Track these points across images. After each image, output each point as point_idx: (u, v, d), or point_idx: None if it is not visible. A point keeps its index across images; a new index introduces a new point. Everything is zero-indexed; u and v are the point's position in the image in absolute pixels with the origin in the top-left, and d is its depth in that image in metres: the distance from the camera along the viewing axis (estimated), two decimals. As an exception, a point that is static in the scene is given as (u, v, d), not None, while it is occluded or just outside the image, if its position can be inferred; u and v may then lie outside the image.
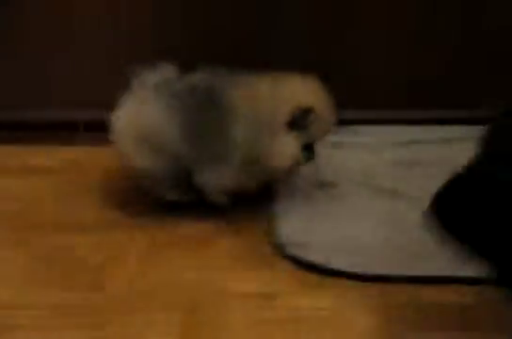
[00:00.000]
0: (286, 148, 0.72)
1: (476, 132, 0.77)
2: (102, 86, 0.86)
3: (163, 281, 0.69)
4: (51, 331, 0.63)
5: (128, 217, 0.77)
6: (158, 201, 0.76)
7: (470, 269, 0.69)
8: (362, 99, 0.96)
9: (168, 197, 0.76)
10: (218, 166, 0.73)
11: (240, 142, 0.71)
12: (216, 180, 0.74)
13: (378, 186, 0.82)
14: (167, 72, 0.74)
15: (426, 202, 0.76)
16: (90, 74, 0.96)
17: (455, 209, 0.74)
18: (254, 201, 0.77)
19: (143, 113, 0.73)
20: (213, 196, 0.76)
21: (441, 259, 0.70)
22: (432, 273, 0.69)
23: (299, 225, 0.76)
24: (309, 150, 0.74)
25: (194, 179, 0.74)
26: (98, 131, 0.76)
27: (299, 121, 0.71)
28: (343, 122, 0.77)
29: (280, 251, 0.73)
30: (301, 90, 0.73)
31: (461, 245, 0.72)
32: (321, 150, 0.75)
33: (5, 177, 0.87)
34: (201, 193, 0.75)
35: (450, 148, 0.91)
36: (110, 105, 0.75)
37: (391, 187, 0.82)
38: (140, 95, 0.73)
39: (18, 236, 0.76)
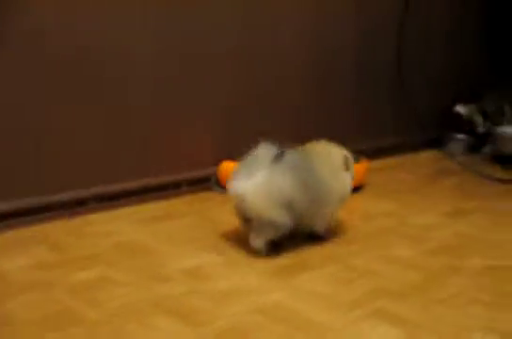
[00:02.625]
0: (349, 181, 1.14)
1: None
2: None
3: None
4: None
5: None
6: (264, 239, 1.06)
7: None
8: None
9: (276, 237, 1.06)
10: (325, 209, 1.10)
11: (333, 186, 1.09)
12: (324, 220, 1.11)
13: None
14: (271, 148, 1.05)
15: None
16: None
17: None
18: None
19: (276, 182, 1.02)
20: (318, 231, 1.13)
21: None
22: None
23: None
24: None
25: (302, 224, 1.08)
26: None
27: (347, 163, 1.13)
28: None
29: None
30: (336, 147, 1.15)
31: None
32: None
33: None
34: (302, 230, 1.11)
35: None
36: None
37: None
38: (263, 167, 1.03)
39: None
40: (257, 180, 1.02)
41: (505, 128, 1.79)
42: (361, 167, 1.48)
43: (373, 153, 1.72)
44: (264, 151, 1.05)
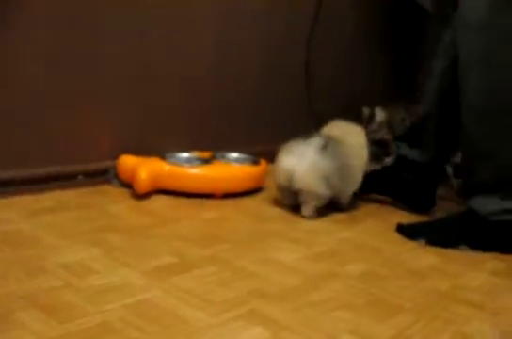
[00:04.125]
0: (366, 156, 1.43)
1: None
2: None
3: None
4: None
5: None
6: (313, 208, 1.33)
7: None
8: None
9: (321, 205, 1.34)
10: (350, 188, 1.39)
11: (358, 170, 1.38)
12: (348, 195, 1.40)
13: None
14: (320, 139, 1.32)
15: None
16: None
17: None
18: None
19: (321, 163, 1.30)
20: (342, 204, 1.42)
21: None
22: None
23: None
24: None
25: (335, 195, 1.36)
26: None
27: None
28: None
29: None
30: (356, 128, 1.46)
31: None
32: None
33: None
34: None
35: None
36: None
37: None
38: (311, 152, 1.30)
39: None
40: (308, 159, 1.29)
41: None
42: (261, 169, 1.50)
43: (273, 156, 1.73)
44: (315, 139, 1.31)
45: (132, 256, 1.03)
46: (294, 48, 1.82)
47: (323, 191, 1.31)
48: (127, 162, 1.39)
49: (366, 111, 1.97)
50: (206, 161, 1.46)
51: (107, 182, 1.43)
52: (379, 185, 1.50)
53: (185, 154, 1.50)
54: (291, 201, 1.36)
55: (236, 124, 1.73)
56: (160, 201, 1.36)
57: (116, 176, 1.42)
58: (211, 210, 1.34)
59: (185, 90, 1.57)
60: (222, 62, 1.64)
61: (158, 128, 1.53)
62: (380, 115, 1.97)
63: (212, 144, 1.61)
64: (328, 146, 1.31)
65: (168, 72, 1.52)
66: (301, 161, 1.29)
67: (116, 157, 1.42)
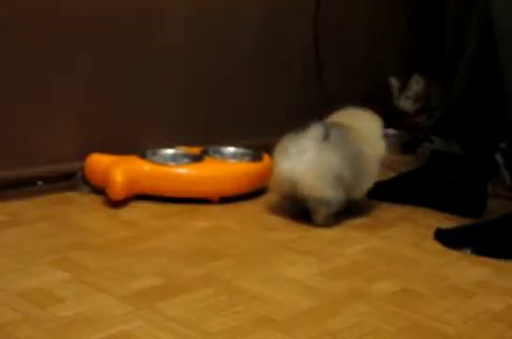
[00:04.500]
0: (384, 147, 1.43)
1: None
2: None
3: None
4: None
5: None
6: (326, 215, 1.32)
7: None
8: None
9: (335, 211, 1.32)
10: (367, 180, 1.37)
11: (371, 158, 1.37)
12: (363, 189, 1.38)
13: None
14: (318, 127, 1.29)
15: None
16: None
17: None
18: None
19: (325, 159, 1.27)
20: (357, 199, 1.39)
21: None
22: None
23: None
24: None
25: (350, 195, 1.33)
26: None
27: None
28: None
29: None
30: (374, 116, 1.46)
31: None
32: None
33: None
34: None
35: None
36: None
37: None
38: (313, 146, 1.27)
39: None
40: (309, 158, 1.27)
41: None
42: (264, 166, 1.48)
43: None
44: (313, 129, 1.28)
45: (106, 279, 1.02)
46: (298, 22, 1.81)
47: (334, 195, 1.29)
48: (98, 162, 1.39)
49: (395, 82, 1.97)
50: (196, 158, 1.46)
51: (74, 188, 1.43)
52: (410, 192, 1.48)
53: (170, 151, 1.50)
54: (299, 208, 1.35)
55: (232, 112, 1.72)
56: (140, 210, 1.35)
57: (84, 180, 1.42)
58: (204, 218, 1.34)
59: (168, 75, 1.57)
60: (213, 44, 1.65)
61: (136, 120, 1.53)
62: (418, 83, 1.96)
63: (203, 138, 1.61)
64: (331, 134, 1.28)
65: (149, 55, 1.53)
66: (301, 161, 1.27)
67: (84, 157, 1.41)
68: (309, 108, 1.75)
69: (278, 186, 1.35)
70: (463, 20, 1.40)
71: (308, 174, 1.27)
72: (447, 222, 1.37)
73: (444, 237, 1.27)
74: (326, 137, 1.28)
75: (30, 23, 1.33)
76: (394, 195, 1.47)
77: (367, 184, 1.37)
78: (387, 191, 1.46)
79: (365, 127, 1.40)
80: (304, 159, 1.27)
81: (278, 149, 1.33)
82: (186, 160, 1.46)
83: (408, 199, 1.48)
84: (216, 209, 1.39)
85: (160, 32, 1.54)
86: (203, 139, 1.59)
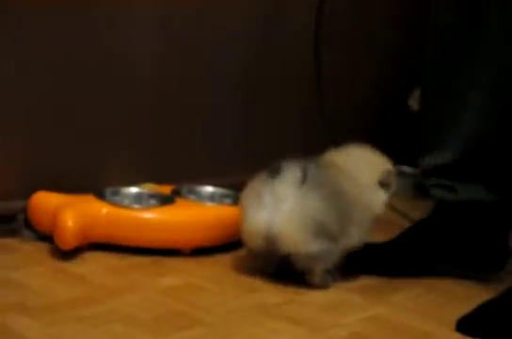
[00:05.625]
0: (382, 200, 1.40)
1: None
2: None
3: None
4: None
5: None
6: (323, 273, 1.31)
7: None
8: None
9: (332, 266, 1.32)
10: (358, 228, 1.33)
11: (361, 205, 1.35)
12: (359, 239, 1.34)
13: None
14: (297, 170, 1.27)
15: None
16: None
17: None
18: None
19: (306, 202, 1.25)
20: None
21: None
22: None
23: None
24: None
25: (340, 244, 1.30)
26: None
27: (386, 180, 1.40)
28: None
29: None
30: (378, 157, 1.42)
31: None
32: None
33: None
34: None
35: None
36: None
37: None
38: (290, 192, 1.26)
39: None
40: (288, 206, 1.25)
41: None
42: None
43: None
44: (288, 170, 1.27)
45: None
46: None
47: (320, 247, 1.26)
48: (46, 202, 1.39)
49: (415, 103, 1.96)
50: (166, 199, 1.46)
51: (14, 233, 1.42)
52: (417, 254, 1.44)
53: (134, 190, 1.50)
54: (276, 268, 1.32)
55: (212, 143, 1.73)
56: (94, 263, 1.34)
57: (27, 224, 1.41)
58: (173, 275, 1.33)
59: (134, 99, 1.59)
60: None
61: (94, 151, 1.54)
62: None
63: (175, 173, 1.61)
64: (308, 174, 1.27)
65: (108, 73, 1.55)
66: (278, 211, 1.25)
67: (28, 195, 1.41)
68: (306, 140, 1.77)
69: (249, 243, 1.31)
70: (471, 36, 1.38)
71: (290, 228, 1.25)
72: (465, 285, 1.38)
73: (467, 327, 1.23)
74: (303, 180, 1.26)
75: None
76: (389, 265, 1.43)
77: (355, 230, 1.32)
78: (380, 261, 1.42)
79: (358, 170, 1.38)
80: (283, 209, 1.25)
81: (247, 194, 1.31)
82: (153, 202, 1.46)
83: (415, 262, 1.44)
84: (186, 263, 1.38)
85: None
86: (175, 176, 1.59)
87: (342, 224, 1.29)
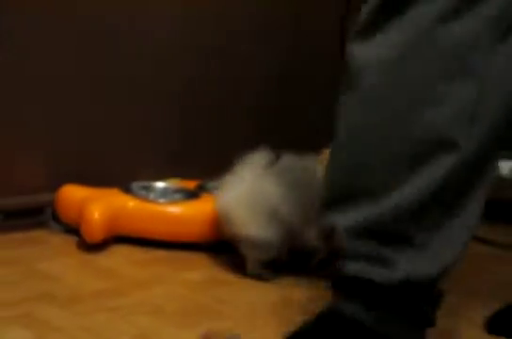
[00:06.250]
0: None
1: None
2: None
3: None
4: None
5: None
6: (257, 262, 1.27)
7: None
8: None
9: (269, 258, 1.26)
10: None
11: None
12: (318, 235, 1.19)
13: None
14: (264, 156, 1.26)
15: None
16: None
17: None
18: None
19: (262, 190, 1.22)
20: (315, 246, 1.25)
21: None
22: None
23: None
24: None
25: (297, 240, 1.25)
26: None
27: None
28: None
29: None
30: None
31: None
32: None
33: None
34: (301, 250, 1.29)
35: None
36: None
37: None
38: (250, 175, 1.24)
39: None
40: (243, 186, 1.23)
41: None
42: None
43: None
44: (257, 154, 1.26)
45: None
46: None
47: (265, 235, 1.23)
48: (73, 195, 1.39)
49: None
50: (191, 194, 1.46)
51: (42, 226, 1.43)
52: None
53: (160, 184, 1.50)
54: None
55: (237, 138, 1.71)
56: (120, 255, 1.35)
57: (55, 217, 1.42)
58: (197, 268, 1.33)
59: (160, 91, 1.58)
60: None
61: (121, 146, 1.54)
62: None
63: (199, 169, 1.60)
64: (279, 162, 1.26)
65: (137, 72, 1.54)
66: (236, 193, 1.24)
67: (55, 189, 1.41)
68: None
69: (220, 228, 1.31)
70: None
71: (235, 208, 1.24)
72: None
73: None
74: (272, 162, 1.26)
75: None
76: None
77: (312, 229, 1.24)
78: None
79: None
80: (239, 190, 1.24)
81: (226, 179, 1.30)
82: (179, 196, 1.46)
83: None
84: (210, 257, 1.38)
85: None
86: (200, 171, 1.58)
87: (300, 218, 1.24)
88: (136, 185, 1.45)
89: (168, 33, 1.58)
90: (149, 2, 1.54)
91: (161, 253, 1.37)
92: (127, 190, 1.42)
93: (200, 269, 1.32)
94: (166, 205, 1.41)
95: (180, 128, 1.64)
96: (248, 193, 1.23)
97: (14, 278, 1.19)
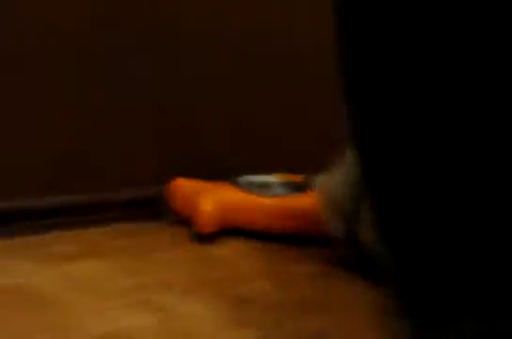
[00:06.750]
0: None
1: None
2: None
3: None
4: None
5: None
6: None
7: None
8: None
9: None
10: None
11: None
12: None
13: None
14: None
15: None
16: None
17: None
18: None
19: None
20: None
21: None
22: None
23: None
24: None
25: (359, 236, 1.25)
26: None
27: None
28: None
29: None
30: None
31: None
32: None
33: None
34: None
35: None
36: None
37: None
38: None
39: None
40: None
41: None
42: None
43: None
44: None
45: (205, 328, 1.01)
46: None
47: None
48: (185, 188, 1.42)
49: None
50: (298, 188, 1.47)
51: (155, 217, 1.46)
52: None
53: (267, 178, 1.51)
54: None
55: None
56: (232, 247, 1.37)
57: (168, 208, 1.45)
58: (305, 261, 1.33)
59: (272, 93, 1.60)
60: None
61: (227, 140, 1.56)
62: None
63: (305, 164, 1.61)
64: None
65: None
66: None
67: (166, 181, 1.44)
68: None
69: None
70: None
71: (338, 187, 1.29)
72: None
73: None
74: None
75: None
76: None
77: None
78: None
79: None
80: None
81: None
82: (286, 190, 1.47)
83: None
84: (318, 251, 1.38)
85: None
86: (306, 166, 1.60)
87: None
88: (244, 179, 1.46)
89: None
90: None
91: (270, 246, 1.38)
92: (236, 184, 1.44)
93: (309, 262, 1.32)
94: (274, 199, 1.42)
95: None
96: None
97: (135, 265, 1.22)
